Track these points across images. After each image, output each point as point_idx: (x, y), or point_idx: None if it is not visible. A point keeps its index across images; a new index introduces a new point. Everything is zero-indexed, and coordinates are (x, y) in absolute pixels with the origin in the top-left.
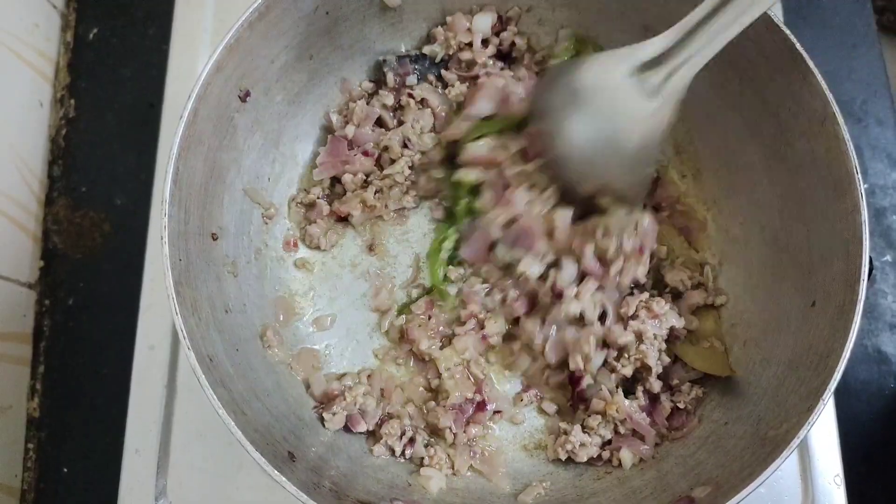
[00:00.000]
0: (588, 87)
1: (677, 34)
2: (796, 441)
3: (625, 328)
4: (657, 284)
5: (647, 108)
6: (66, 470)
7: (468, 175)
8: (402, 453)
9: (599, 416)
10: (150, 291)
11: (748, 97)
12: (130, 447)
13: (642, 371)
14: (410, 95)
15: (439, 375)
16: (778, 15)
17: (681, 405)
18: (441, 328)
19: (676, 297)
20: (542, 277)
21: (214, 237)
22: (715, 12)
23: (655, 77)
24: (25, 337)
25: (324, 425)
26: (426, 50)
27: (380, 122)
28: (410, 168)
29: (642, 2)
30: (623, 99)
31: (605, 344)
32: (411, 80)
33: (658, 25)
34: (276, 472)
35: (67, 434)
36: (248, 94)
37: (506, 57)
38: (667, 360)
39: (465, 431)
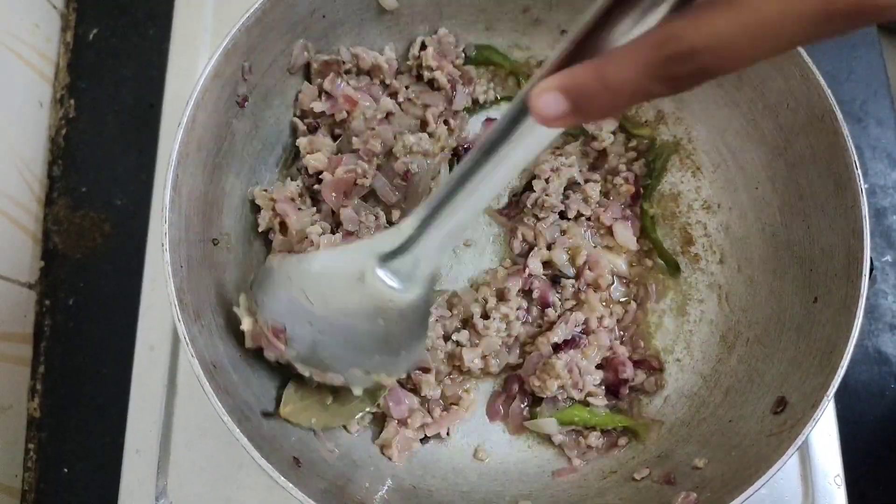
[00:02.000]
0: (329, 283)
1: (417, 220)
2: (801, 437)
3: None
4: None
5: (403, 296)
6: (66, 470)
7: None
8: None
9: None
10: (150, 292)
11: (747, 95)
12: (131, 447)
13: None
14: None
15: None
16: None
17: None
18: None
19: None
20: None
21: (215, 242)
22: (452, 193)
23: (403, 265)
24: (26, 337)
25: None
26: None
27: None
28: None
29: None
30: (371, 292)
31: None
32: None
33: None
34: (282, 478)
35: (68, 434)
36: (245, 99)
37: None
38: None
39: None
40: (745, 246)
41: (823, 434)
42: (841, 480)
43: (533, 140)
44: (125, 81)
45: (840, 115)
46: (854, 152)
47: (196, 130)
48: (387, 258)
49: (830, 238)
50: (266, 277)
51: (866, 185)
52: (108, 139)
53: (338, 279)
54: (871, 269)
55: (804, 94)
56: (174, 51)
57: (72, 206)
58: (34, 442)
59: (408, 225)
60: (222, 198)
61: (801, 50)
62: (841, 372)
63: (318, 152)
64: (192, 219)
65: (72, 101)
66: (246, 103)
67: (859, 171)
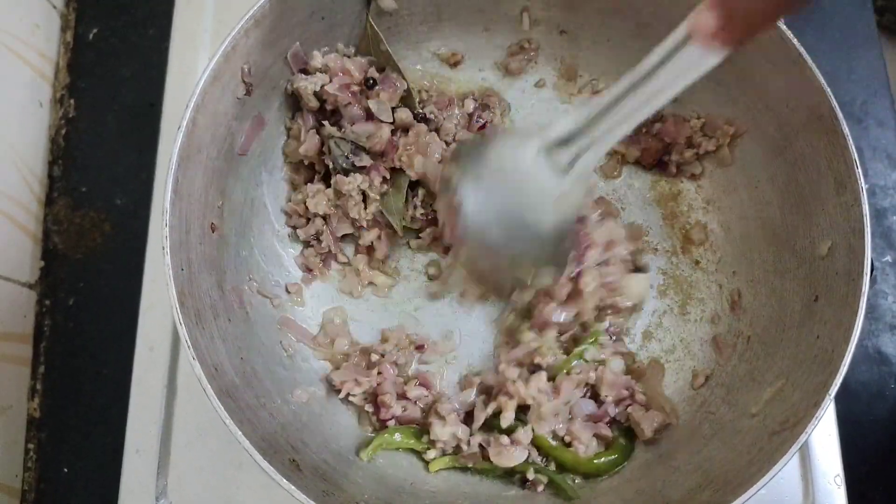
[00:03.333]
0: (499, 164)
1: (587, 115)
2: (804, 436)
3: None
4: None
5: (557, 188)
6: (66, 470)
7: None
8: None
9: None
10: (151, 292)
11: (747, 95)
12: (131, 447)
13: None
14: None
15: None
16: None
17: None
18: None
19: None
20: None
21: (216, 246)
22: (625, 94)
23: (564, 156)
24: (25, 337)
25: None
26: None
27: None
28: None
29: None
30: (533, 178)
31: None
32: None
33: (653, 23)
34: (284, 480)
35: (67, 434)
36: (249, 91)
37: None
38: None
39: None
40: (746, 245)
41: (823, 434)
42: (841, 480)
43: (689, 65)
44: (125, 81)
45: (840, 115)
46: (854, 150)
47: (196, 133)
48: (551, 147)
49: (831, 237)
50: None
51: (866, 186)
52: (108, 139)
53: (508, 162)
54: (872, 270)
55: (804, 94)
56: (174, 51)
57: (72, 206)
58: (34, 442)
59: (573, 119)
60: (223, 200)
61: (802, 50)
62: (842, 371)
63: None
64: (193, 222)
65: (72, 101)
66: (246, 105)
67: (860, 169)
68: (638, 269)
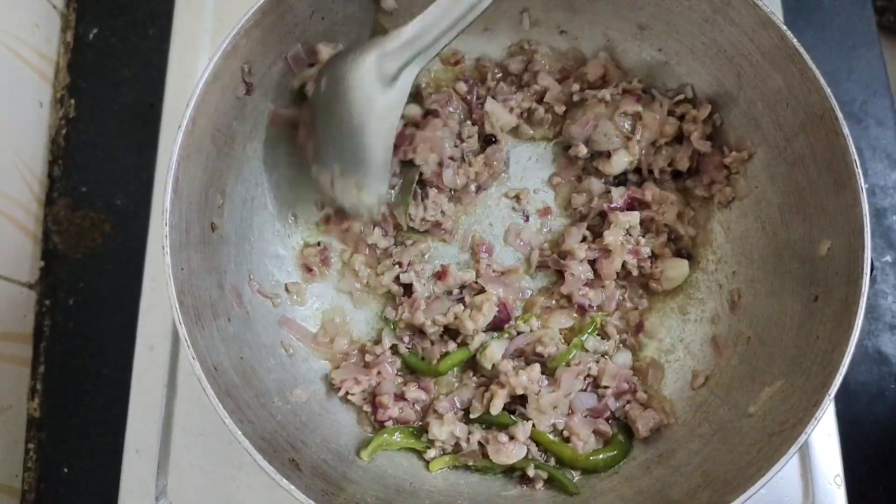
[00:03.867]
0: (340, 73)
1: (418, 27)
2: (804, 436)
3: None
4: None
5: (382, 98)
6: (66, 470)
7: None
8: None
9: None
10: (151, 292)
11: (747, 95)
12: (131, 447)
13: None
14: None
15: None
16: (778, 14)
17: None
18: None
19: None
20: None
21: (216, 246)
22: (451, 5)
23: (392, 66)
24: (25, 337)
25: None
26: None
27: None
28: None
29: (636, 0)
30: (362, 85)
31: None
32: None
33: (653, 24)
34: (284, 480)
35: (67, 434)
36: (249, 90)
37: None
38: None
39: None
40: (746, 245)
41: (823, 434)
42: (841, 480)
43: None
44: (125, 81)
45: (840, 115)
46: (854, 150)
47: (196, 132)
48: (383, 58)
49: (831, 237)
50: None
51: (866, 186)
52: (108, 139)
53: (340, 72)
54: (872, 269)
55: (804, 94)
56: (174, 51)
57: (72, 206)
58: (34, 442)
59: (406, 30)
60: (223, 200)
61: (802, 50)
62: (842, 371)
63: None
64: (193, 221)
65: (72, 101)
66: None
67: (860, 170)
68: (680, 254)
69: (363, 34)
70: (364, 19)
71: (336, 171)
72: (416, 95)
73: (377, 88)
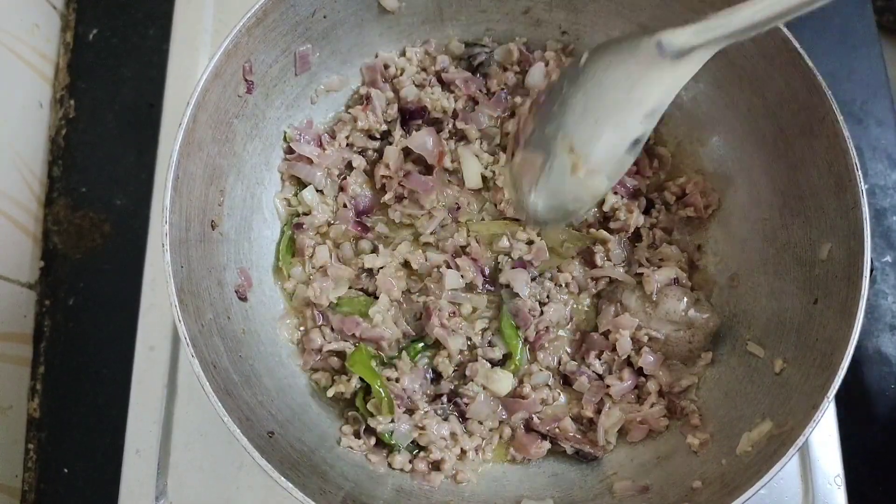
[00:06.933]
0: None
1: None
2: (802, 439)
3: None
4: None
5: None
6: (66, 470)
7: None
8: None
9: None
10: (151, 292)
11: (748, 96)
12: (131, 447)
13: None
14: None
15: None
16: None
17: None
18: None
19: None
20: None
21: (216, 244)
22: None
23: (682, 38)
24: (25, 337)
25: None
26: None
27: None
28: None
29: (639, 0)
30: (626, 63)
31: None
32: None
33: (654, 24)
34: (284, 479)
35: (67, 434)
36: (250, 89)
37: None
38: None
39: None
40: (746, 247)
41: (823, 434)
42: (841, 481)
43: None
44: (125, 81)
45: (840, 116)
46: (854, 153)
47: (197, 130)
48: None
49: (831, 240)
50: None
51: (866, 186)
52: (108, 139)
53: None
54: (872, 270)
55: (804, 95)
56: (174, 51)
57: (72, 206)
58: (34, 442)
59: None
60: (223, 198)
61: (802, 50)
62: (841, 373)
63: None
64: (193, 219)
65: (72, 101)
66: (249, 97)
67: (860, 172)
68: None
69: (364, 33)
70: (365, 19)
71: (560, 147)
72: None
73: (660, 65)
